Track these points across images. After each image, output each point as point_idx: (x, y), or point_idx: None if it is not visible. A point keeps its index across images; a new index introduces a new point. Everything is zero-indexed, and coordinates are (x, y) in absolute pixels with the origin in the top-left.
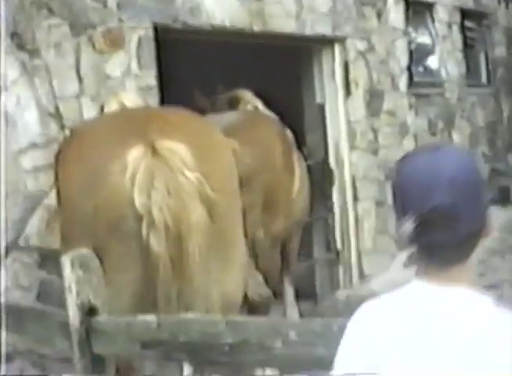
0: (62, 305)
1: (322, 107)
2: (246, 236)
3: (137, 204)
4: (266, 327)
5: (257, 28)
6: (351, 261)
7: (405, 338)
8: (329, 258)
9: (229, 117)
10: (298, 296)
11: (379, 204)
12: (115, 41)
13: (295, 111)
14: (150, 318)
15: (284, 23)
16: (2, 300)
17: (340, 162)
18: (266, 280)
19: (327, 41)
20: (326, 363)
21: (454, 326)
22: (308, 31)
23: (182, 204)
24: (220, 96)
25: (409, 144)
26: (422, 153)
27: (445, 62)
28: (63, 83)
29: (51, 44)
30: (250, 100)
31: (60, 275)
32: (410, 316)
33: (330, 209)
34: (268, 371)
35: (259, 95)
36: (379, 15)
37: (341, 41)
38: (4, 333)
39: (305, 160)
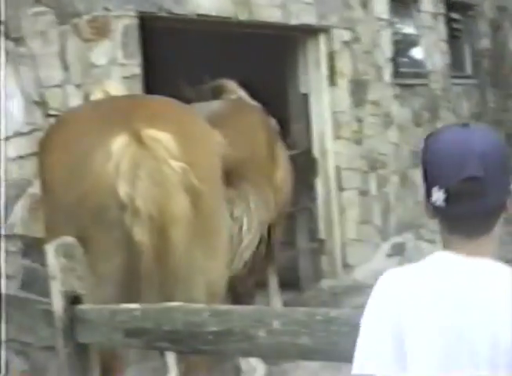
0: (46, 293)
1: (306, 97)
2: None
3: (121, 194)
4: (250, 316)
5: (242, 17)
6: (335, 251)
7: (430, 307)
8: (313, 247)
9: (214, 106)
10: (282, 286)
11: (363, 193)
12: (100, 30)
13: (279, 101)
14: (134, 306)
15: (270, 13)
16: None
17: (324, 152)
18: (250, 270)
19: (312, 31)
20: (310, 353)
21: (479, 294)
22: (294, 21)
23: (166, 193)
24: (204, 86)
25: (393, 135)
26: (452, 129)
27: (430, 53)
28: (48, 71)
29: (36, 32)
30: (234, 90)
31: (44, 263)
32: (436, 285)
33: (314, 199)
34: (252, 360)
35: (244, 84)
36: (364, 5)
37: (326, 31)
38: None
39: (289, 149)
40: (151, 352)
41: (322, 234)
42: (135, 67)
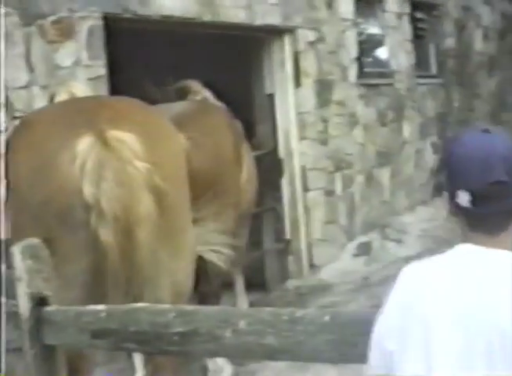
0: (12, 295)
1: (271, 98)
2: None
3: (86, 194)
4: (216, 316)
5: (207, 18)
6: (301, 251)
7: (453, 297)
8: (279, 248)
9: (179, 107)
10: (248, 286)
11: (328, 193)
12: (65, 31)
13: (245, 102)
14: (100, 308)
15: (234, 14)
16: None
17: (289, 152)
18: (216, 270)
19: (277, 32)
20: (276, 352)
21: (501, 285)
22: (258, 22)
23: (131, 194)
24: (169, 87)
25: (358, 134)
26: (474, 134)
27: (395, 52)
28: (13, 73)
29: (1, 33)
30: (199, 91)
31: (10, 265)
32: (460, 276)
33: (280, 199)
34: (219, 360)
35: (209, 85)
36: (329, 5)
37: (291, 31)
38: None
39: (255, 150)
40: (118, 353)
41: (288, 234)
42: (100, 68)
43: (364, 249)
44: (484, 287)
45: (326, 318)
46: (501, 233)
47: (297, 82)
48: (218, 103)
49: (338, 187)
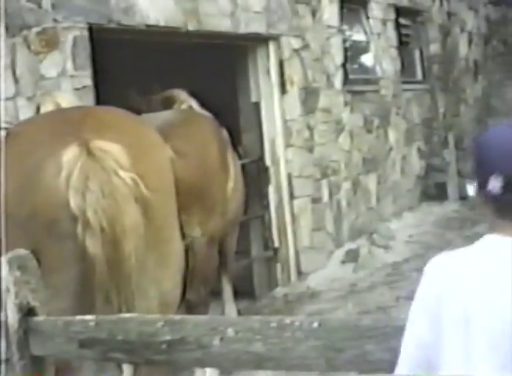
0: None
1: (257, 106)
2: (183, 235)
3: (72, 206)
4: (204, 325)
5: (191, 27)
6: (289, 258)
7: (484, 287)
8: (267, 256)
9: (164, 116)
10: (236, 294)
11: (315, 201)
12: (50, 42)
13: (230, 110)
14: (89, 317)
15: (219, 22)
16: None
17: (275, 160)
18: (204, 279)
19: (262, 40)
20: (263, 360)
21: None
22: (243, 30)
23: (117, 205)
24: (154, 96)
25: (344, 141)
26: (501, 128)
27: (380, 59)
28: None
29: (1, 45)
30: (185, 100)
31: None
32: (489, 266)
33: (267, 207)
34: (208, 370)
35: (194, 94)
36: (313, 13)
37: (276, 39)
38: None
39: (241, 158)
40: (106, 364)
41: (275, 242)
42: (86, 79)
43: (352, 256)
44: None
45: (315, 324)
46: None
47: (283, 90)
48: (204, 112)
49: (325, 194)
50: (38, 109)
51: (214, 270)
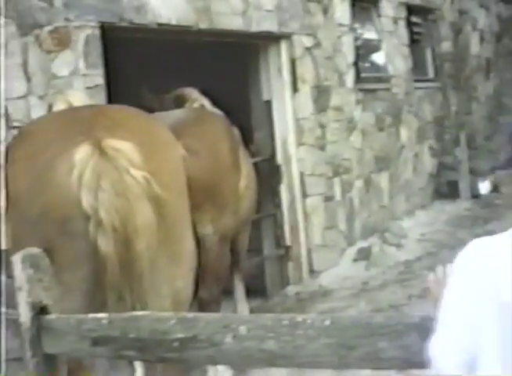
0: (12, 305)
1: (269, 104)
2: (195, 233)
3: (84, 204)
4: (216, 322)
5: (203, 26)
6: (301, 257)
7: None
8: (279, 254)
9: (176, 115)
10: (248, 293)
11: (327, 199)
12: (62, 41)
13: (242, 108)
14: (101, 315)
15: (230, 21)
16: None
17: (287, 158)
18: (216, 277)
19: (273, 38)
20: (276, 358)
21: None
22: (255, 28)
23: (129, 204)
24: (166, 95)
25: (356, 139)
26: None
27: (392, 57)
28: (10, 83)
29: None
30: (197, 98)
31: (10, 276)
32: None
33: (279, 206)
34: (220, 367)
35: (206, 92)
36: (325, 11)
37: (287, 37)
38: None
39: (253, 157)
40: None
41: (287, 241)
42: (98, 77)
43: (364, 254)
44: None
45: (327, 322)
46: None
47: (295, 88)
48: (216, 111)
49: (337, 192)
50: (50, 108)
51: (227, 268)
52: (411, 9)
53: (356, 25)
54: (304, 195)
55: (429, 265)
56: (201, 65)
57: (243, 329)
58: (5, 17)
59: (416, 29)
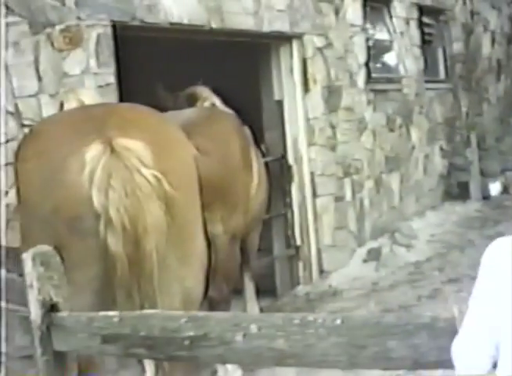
0: (23, 303)
1: (280, 104)
2: (206, 232)
3: (95, 203)
4: (227, 321)
5: (215, 25)
6: (311, 257)
7: None
8: (289, 254)
9: (188, 114)
10: (258, 292)
11: (338, 199)
12: (74, 39)
13: (253, 108)
14: (112, 313)
15: (242, 20)
16: None
17: (298, 158)
18: (226, 277)
19: (285, 38)
20: (287, 357)
21: None
22: (266, 28)
23: (139, 204)
24: (180, 93)
25: (367, 140)
26: None
27: (403, 58)
28: (22, 81)
29: (9, 42)
30: (208, 97)
31: (21, 273)
32: None
33: (289, 205)
34: (229, 366)
35: (217, 92)
36: (336, 11)
37: (299, 37)
38: None
39: (264, 156)
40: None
41: (297, 240)
42: (109, 76)
43: (374, 255)
44: None
45: (338, 321)
46: None
47: (306, 88)
48: (228, 110)
49: (347, 193)
50: (62, 106)
51: (237, 268)
52: (423, 10)
53: (368, 25)
54: (315, 195)
55: (439, 266)
56: (212, 64)
57: (253, 328)
58: (17, 16)
59: (427, 30)
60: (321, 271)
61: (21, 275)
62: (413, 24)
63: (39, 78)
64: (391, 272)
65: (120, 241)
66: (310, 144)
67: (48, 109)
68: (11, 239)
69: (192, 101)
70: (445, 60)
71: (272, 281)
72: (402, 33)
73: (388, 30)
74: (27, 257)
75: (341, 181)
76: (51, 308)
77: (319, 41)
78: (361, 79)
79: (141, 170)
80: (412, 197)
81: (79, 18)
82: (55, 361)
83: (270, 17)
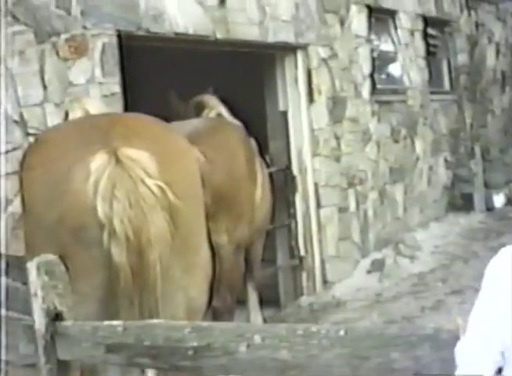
0: (27, 312)
1: (285, 114)
2: (210, 242)
3: (99, 213)
4: (231, 331)
5: (220, 36)
6: (315, 267)
7: None
8: (293, 264)
9: (193, 124)
10: (262, 302)
11: (341, 210)
12: (79, 49)
13: (258, 118)
14: (116, 323)
15: (247, 31)
16: None
17: (303, 169)
18: (230, 287)
19: (290, 49)
20: (290, 367)
21: None
22: (271, 39)
23: (143, 215)
24: (191, 100)
25: (371, 151)
26: None
27: (408, 69)
28: (27, 90)
29: (15, 51)
30: (216, 106)
31: (25, 282)
32: None
33: (293, 216)
34: None
35: (224, 100)
36: (342, 22)
37: (304, 48)
38: None
39: (268, 167)
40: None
41: (301, 251)
42: (114, 86)
43: (377, 266)
44: None
45: (341, 333)
46: None
47: (310, 99)
48: (234, 120)
49: (351, 204)
50: (67, 115)
51: (241, 278)
52: (427, 21)
53: (373, 36)
54: (319, 206)
55: (442, 277)
56: (217, 74)
57: (257, 338)
58: (23, 25)
59: (432, 41)
60: (324, 282)
61: (25, 284)
62: (418, 36)
63: (44, 87)
64: (395, 284)
65: (124, 252)
66: (314, 155)
67: (53, 118)
68: (15, 248)
69: (199, 109)
70: (450, 72)
71: (275, 291)
72: (406, 44)
73: (393, 42)
74: (31, 266)
75: (345, 192)
76: (55, 317)
77: (324, 52)
78: (365, 90)
79: (145, 180)
80: (416, 209)
81: (84, 27)
82: (58, 370)
83: (275, 28)
